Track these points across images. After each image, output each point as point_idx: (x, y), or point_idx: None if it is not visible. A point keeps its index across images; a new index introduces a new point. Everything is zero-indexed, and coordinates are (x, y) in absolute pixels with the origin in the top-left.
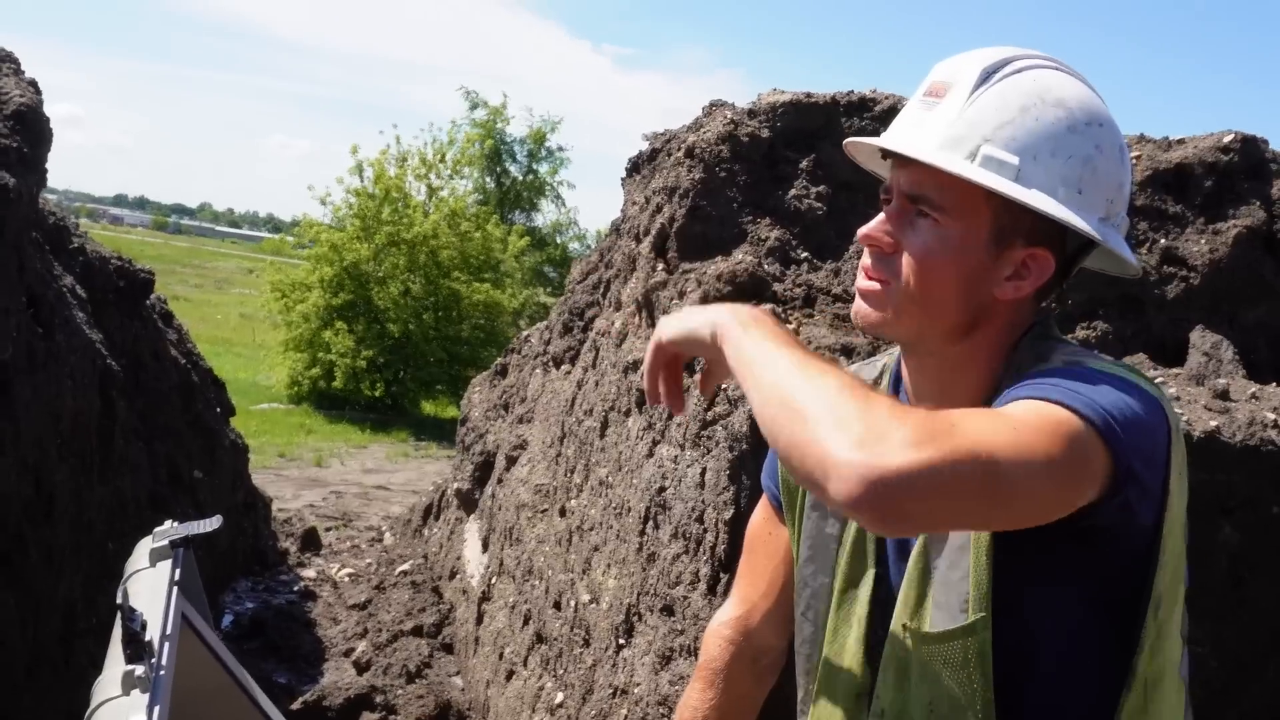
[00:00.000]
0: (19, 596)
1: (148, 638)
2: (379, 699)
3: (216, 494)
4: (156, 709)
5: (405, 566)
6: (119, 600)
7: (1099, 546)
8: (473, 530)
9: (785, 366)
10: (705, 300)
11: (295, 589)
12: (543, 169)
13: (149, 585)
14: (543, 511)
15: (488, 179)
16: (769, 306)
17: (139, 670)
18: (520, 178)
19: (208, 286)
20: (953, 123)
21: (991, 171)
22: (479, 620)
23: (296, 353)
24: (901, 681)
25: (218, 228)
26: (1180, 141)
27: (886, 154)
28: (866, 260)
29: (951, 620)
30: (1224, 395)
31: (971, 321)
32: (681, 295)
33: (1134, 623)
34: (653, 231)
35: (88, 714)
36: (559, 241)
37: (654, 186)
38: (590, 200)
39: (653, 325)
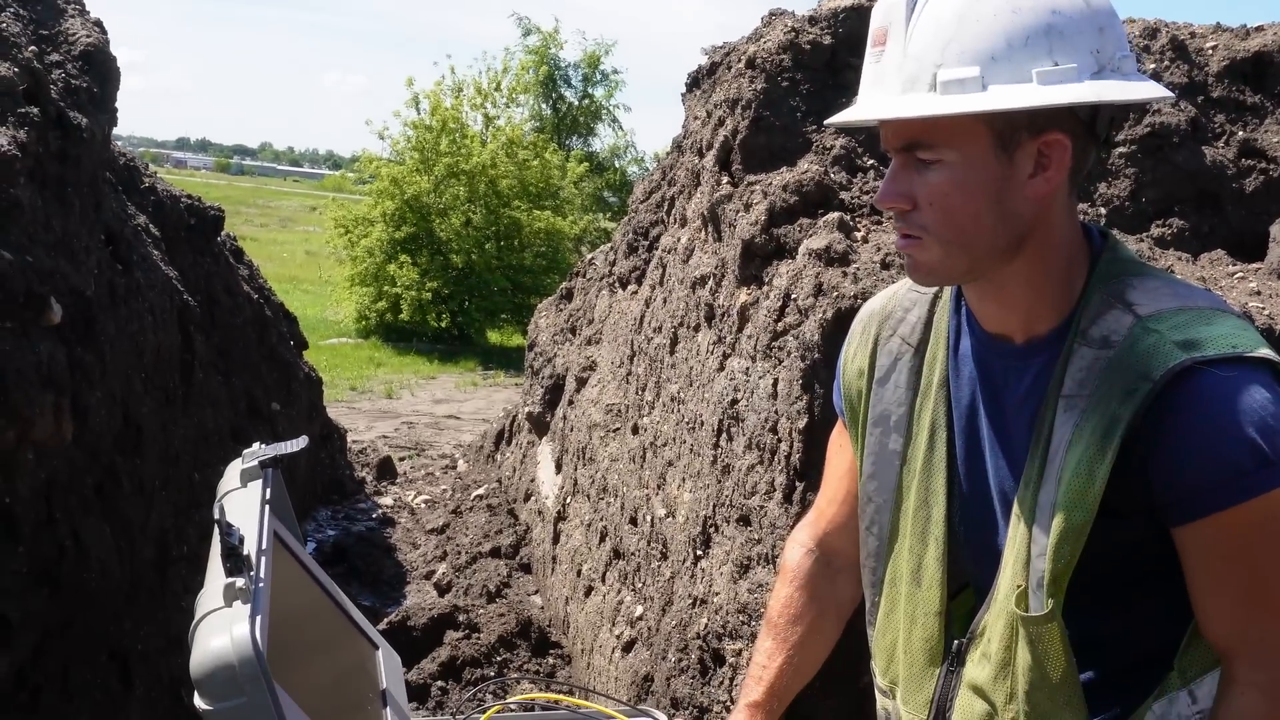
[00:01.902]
0: (115, 526)
1: (245, 551)
2: (461, 618)
3: (294, 425)
4: (258, 618)
5: (480, 491)
6: (216, 516)
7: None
8: (545, 452)
9: None
10: (772, 211)
11: (374, 516)
12: (598, 93)
13: (241, 504)
14: (614, 430)
15: (544, 105)
16: (836, 215)
17: (239, 582)
18: (576, 103)
19: (272, 225)
20: (901, 64)
21: (955, 94)
22: (555, 539)
23: (362, 287)
24: (1010, 639)
25: (279, 166)
26: (1258, 29)
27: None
28: (896, 224)
29: (1038, 603)
30: None
31: (1016, 235)
32: (747, 207)
33: None
34: (715, 145)
35: (193, 625)
36: (617, 166)
37: (715, 100)
38: (647, 122)
39: (719, 239)
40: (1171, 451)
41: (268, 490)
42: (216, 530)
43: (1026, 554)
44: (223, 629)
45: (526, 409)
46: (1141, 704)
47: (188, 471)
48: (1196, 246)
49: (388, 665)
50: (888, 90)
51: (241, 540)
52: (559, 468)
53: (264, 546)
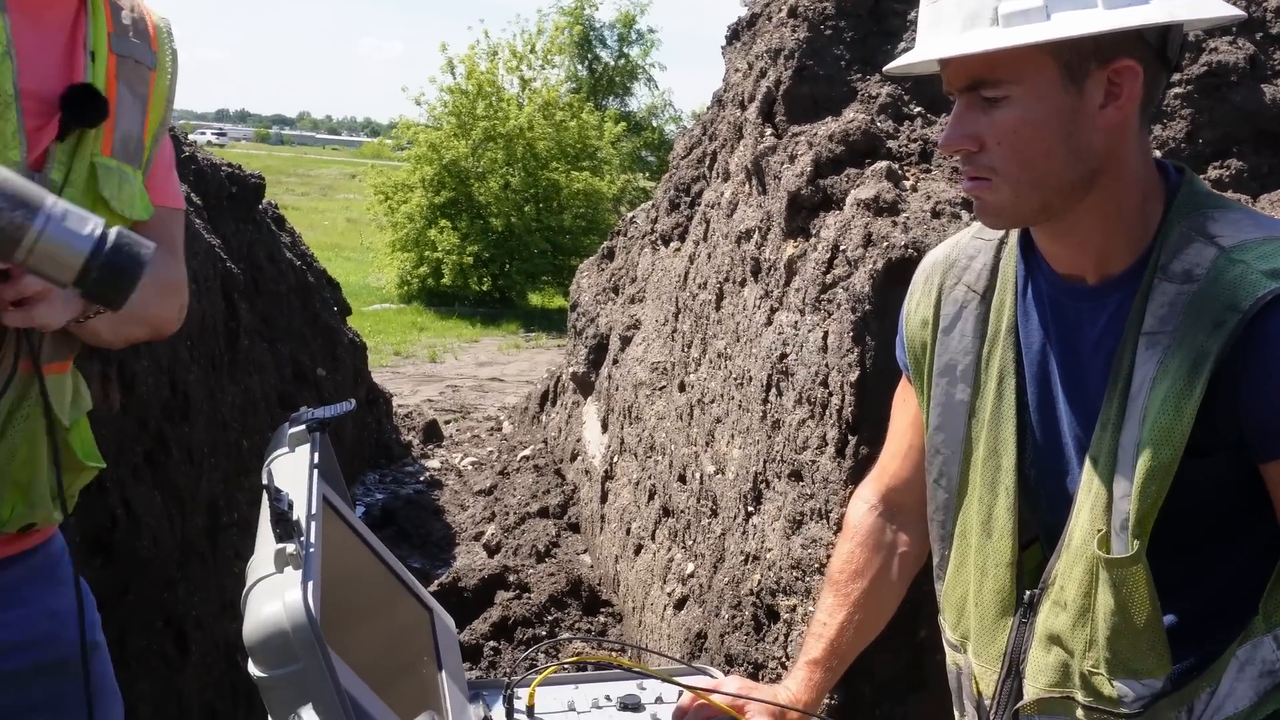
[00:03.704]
0: (165, 494)
1: (295, 516)
2: (512, 578)
3: (340, 391)
4: (310, 584)
5: (527, 452)
6: (264, 482)
7: None
8: (591, 412)
9: None
10: (818, 161)
11: (421, 479)
12: (634, 52)
13: (290, 468)
14: (661, 388)
15: (579, 66)
16: (884, 164)
17: (290, 548)
18: (612, 63)
19: (313, 194)
20: (960, 2)
21: (1019, 25)
22: (603, 499)
23: (404, 253)
24: (1089, 585)
25: (318, 135)
26: None
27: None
28: (963, 166)
29: (1121, 545)
30: None
31: (1089, 169)
32: (792, 159)
33: None
34: (758, 97)
35: (245, 592)
36: (654, 125)
37: (756, 51)
38: (683, 81)
39: (764, 192)
40: (1262, 383)
41: (316, 454)
42: (266, 495)
43: (1107, 497)
44: (275, 595)
45: (571, 369)
46: (1225, 650)
47: (235, 438)
48: (1256, 188)
49: (441, 628)
50: (948, 29)
51: (291, 505)
52: (605, 427)
53: (314, 511)
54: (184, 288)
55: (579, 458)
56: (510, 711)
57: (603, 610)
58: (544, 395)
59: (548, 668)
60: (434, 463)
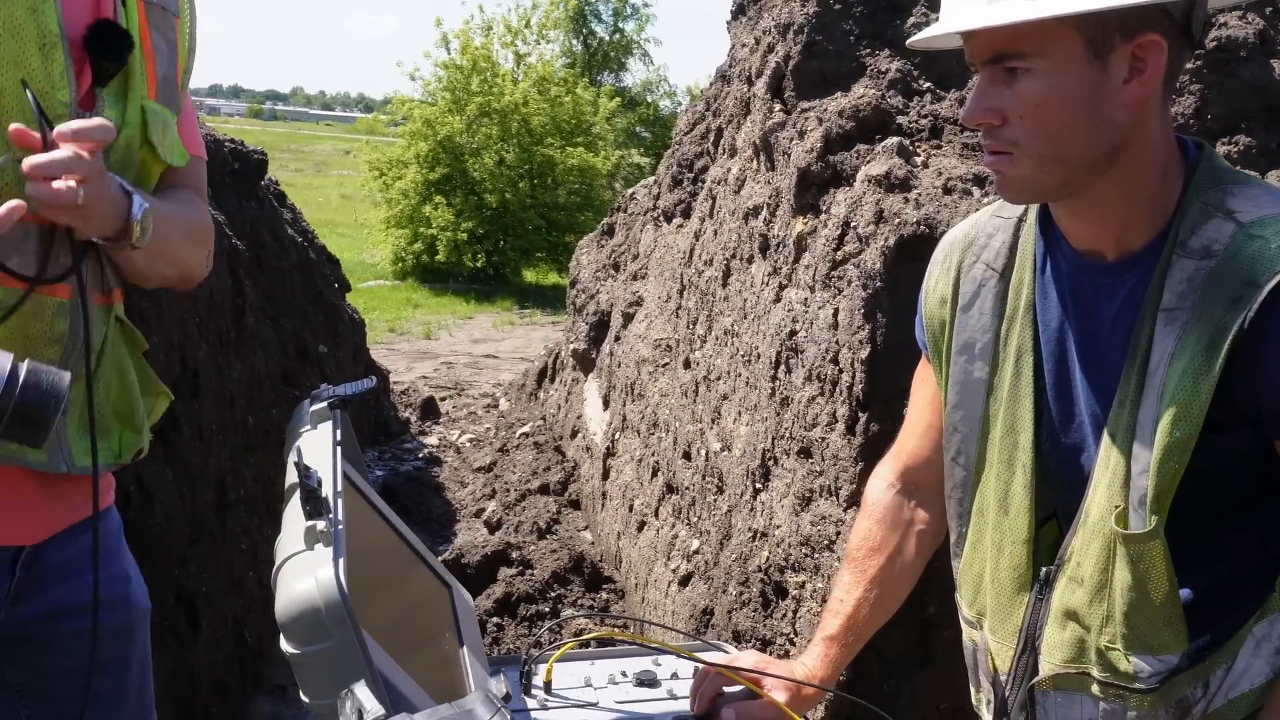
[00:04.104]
0: (176, 471)
1: (323, 494)
2: (514, 555)
3: (341, 367)
4: (340, 560)
5: (526, 429)
6: (294, 460)
7: None
8: (592, 389)
9: None
10: (828, 138)
11: (420, 456)
12: (629, 27)
13: (313, 446)
14: (664, 365)
15: (574, 41)
16: (895, 140)
17: (320, 525)
18: (607, 38)
19: (307, 170)
20: None
21: None
22: (605, 475)
23: (398, 229)
24: (1106, 561)
25: (311, 111)
26: None
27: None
28: (984, 140)
29: (1139, 522)
30: None
31: (1111, 144)
32: (802, 135)
33: None
34: (766, 72)
35: (275, 570)
36: (649, 100)
37: (763, 26)
38: (679, 56)
39: (772, 168)
40: (1278, 358)
41: (338, 431)
42: (293, 472)
43: (1125, 473)
44: (307, 573)
45: (571, 346)
46: (1241, 627)
47: (242, 415)
48: (1264, 164)
49: (460, 604)
50: (973, 1)
51: (320, 483)
52: (606, 404)
53: (338, 488)
54: (211, 234)
55: (579, 434)
56: (529, 687)
57: (605, 587)
58: (541, 372)
59: (565, 644)
60: (432, 439)
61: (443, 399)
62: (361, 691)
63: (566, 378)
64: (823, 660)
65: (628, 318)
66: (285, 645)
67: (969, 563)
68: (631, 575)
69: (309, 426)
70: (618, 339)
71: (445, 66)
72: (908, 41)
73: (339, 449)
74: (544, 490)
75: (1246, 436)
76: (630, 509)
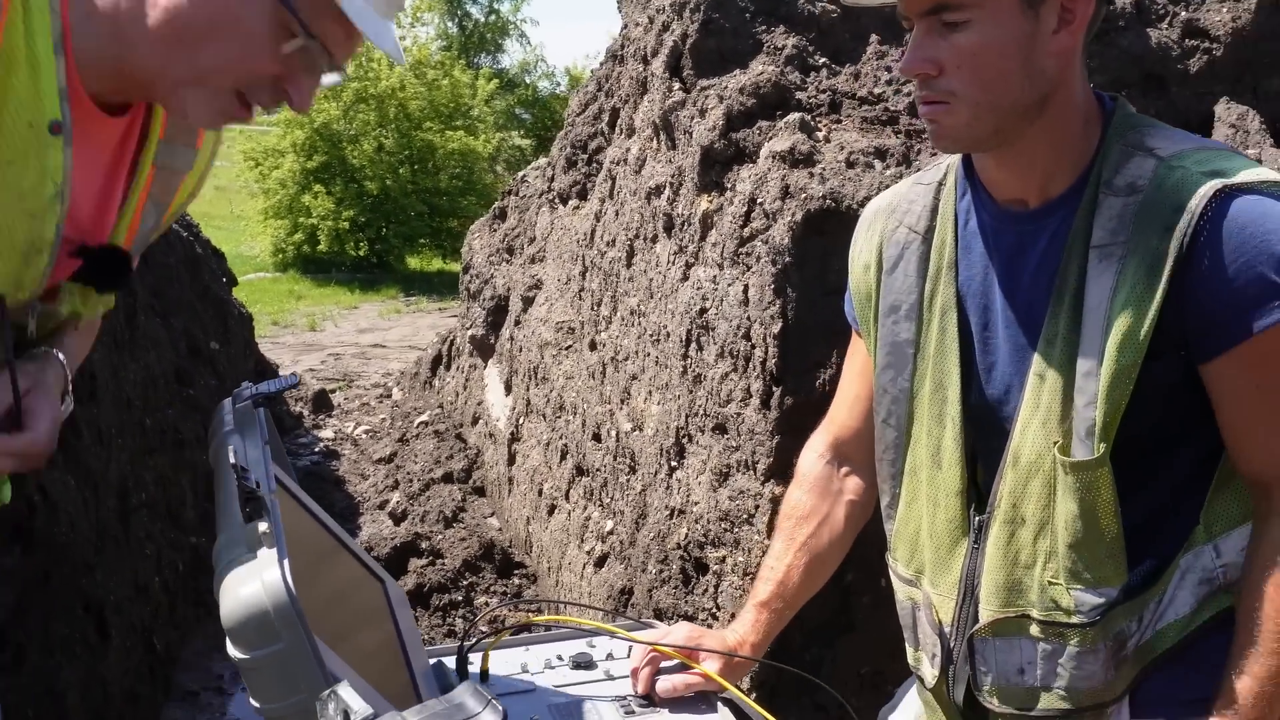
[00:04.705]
0: (78, 477)
1: (261, 495)
2: (423, 545)
3: (233, 364)
4: (286, 562)
5: (425, 417)
6: (230, 461)
7: None
8: (493, 374)
9: None
10: (729, 115)
11: (316, 450)
12: (504, 8)
13: (242, 446)
14: (568, 348)
15: (449, 23)
16: (797, 116)
17: (262, 526)
18: (482, 19)
19: None
20: None
21: None
22: (510, 461)
23: (277, 220)
24: (1047, 497)
25: None
26: None
27: None
28: (920, 91)
29: (1086, 451)
30: None
31: (1041, 93)
32: (703, 113)
33: None
34: (663, 51)
35: (218, 575)
36: (528, 81)
37: (657, 4)
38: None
39: (673, 147)
40: (1208, 277)
41: (264, 430)
42: (227, 474)
43: (1061, 409)
44: (253, 576)
45: (469, 332)
46: (1171, 560)
47: (139, 417)
48: None
49: (395, 598)
50: None
51: (259, 484)
52: (509, 389)
53: (272, 488)
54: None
55: (481, 421)
56: (466, 677)
57: (517, 572)
58: (436, 359)
59: (501, 631)
60: (327, 433)
61: (333, 391)
62: (346, 692)
63: (464, 364)
64: (754, 626)
65: (527, 301)
66: (233, 651)
67: (904, 521)
68: (544, 560)
69: (233, 426)
70: (518, 323)
71: None
72: (845, 2)
73: (268, 447)
74: (448, 479)
75: (1179, 366)
76: (539, 493)
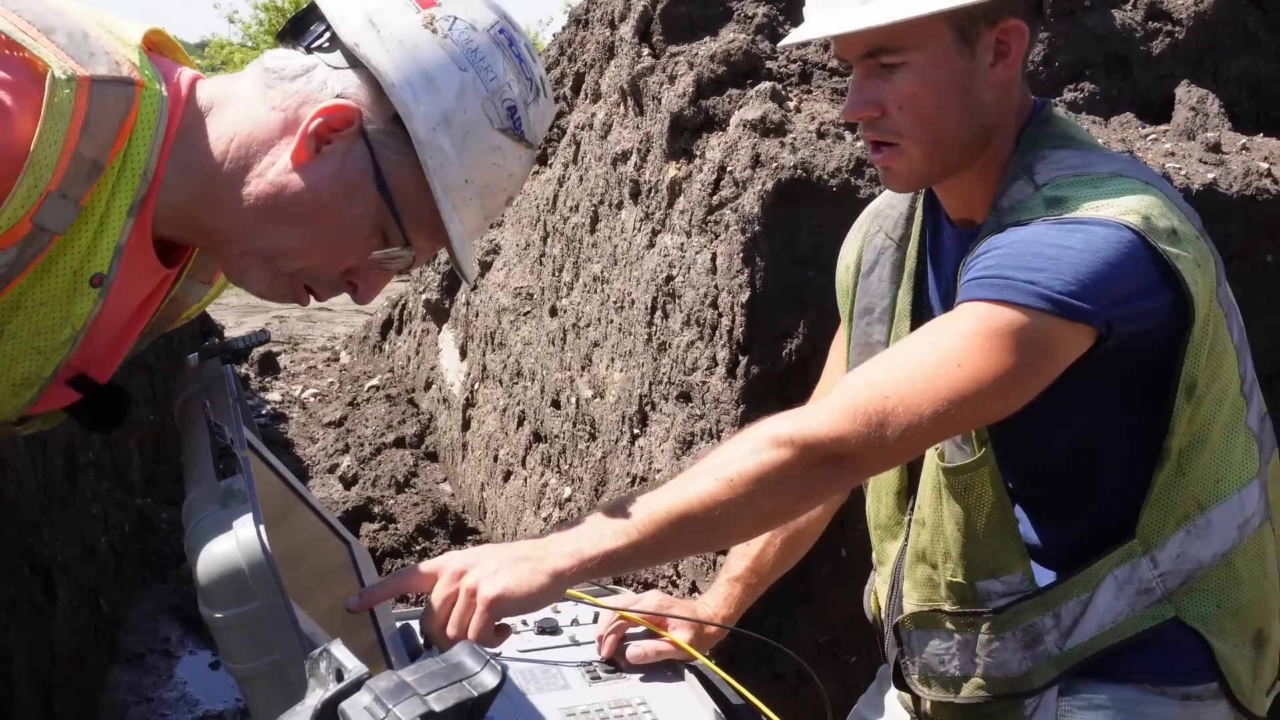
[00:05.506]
0: (27, 436)
1: (235, 451)
2: (375, 509)
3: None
4: (261, 522)
5: (375, 381)
6: (205, 417)
7: (1115, 360)
8: (447, 339)
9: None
10: (700, 82)
11: (264, 412)
12: None
13: (211, 402)
14: (526, 314)
15: None
16: (769, 85)
17: (235, 484)
18: None
19: None
20: None
21: None
22: (465, 426)
23: None
24: (936, 500)
25: None
26: None
27: None
28: (865, 132)
29: (961, 455)
30: (1215, 148)
31: (983, 125)
32: (672, 79)
33: (1164, 406)
34: (631, 16)
35: (190, 532)
36: None
37: None
38: (512, 4)
39: (641, 113)
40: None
41: (233, 387)
42: (196, 430)
43: None
44: (227, 534)
45: (423, 296)
46: (1092, 563)
47: None
48: (1107, 110)
49: (361, 559)
50: (846, 1)
51: (232, 441)
52: (464, 354)
53: (244, 445)
54: None
55: (434, 385)
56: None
57: (471, 538)
58: (386, 323)
59: None
60: (275, 395)
61: (278, 354)
62: (339, 651)
63: (416, 329)
64: (725, 600)
65: (485, 266)
66: (206, 609)
67: (870, 512)
68: (499, 525)
69: (199, 383)
70: (474, 288)
71: (266, 9)
72: (780, 43)
73: (237, 405)
74: (400, 443)
75: None
76: (495, 459)
